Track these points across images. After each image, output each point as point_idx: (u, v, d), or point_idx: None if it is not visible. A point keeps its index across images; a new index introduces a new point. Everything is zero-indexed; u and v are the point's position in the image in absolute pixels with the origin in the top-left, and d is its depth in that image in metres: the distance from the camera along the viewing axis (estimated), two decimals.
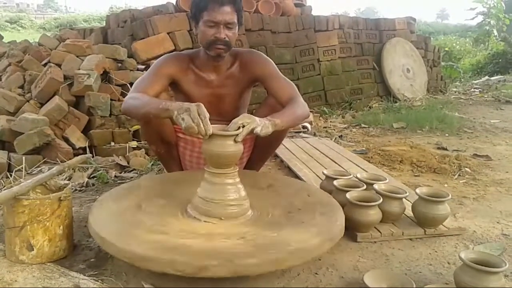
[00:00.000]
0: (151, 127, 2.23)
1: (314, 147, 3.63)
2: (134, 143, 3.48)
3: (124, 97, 3.67)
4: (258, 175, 2.40)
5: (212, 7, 2.02)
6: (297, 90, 2.19)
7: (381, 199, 1.97)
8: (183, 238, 1.55)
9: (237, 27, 2.10)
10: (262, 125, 1.76)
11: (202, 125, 1.67)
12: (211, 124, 1.78)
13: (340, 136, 4.36)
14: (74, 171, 2.90)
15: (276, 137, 2.27)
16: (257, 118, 1.77)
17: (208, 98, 2.22)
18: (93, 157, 3.16)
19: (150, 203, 1.84)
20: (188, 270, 1.40)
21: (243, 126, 1.72)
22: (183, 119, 1.69)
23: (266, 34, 5.34)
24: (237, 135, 1.70)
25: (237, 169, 1.78)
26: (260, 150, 2.42)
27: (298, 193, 2.03)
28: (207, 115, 1.69)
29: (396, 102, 6.34)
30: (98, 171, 2.95)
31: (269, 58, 2.28)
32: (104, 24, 5.79)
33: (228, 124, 1.75)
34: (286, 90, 2.15)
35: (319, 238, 1.58)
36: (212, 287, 1.55)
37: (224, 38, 2.05)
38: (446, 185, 2.85)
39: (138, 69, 4.11)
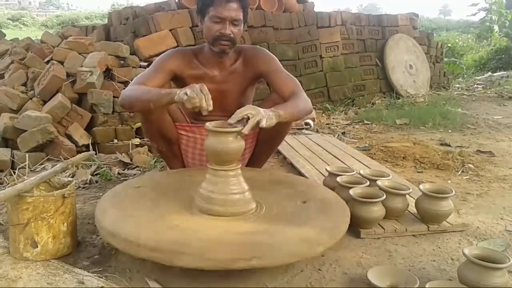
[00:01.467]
0: (151, 123, 2.22)
1: (317, 144, 3.63)
2: (137, 140, 3.49)
3: None
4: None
5: (219, 2, 2.02)
6: (300, 86, 2.19)
7: (384, 196, 1.97)
8: (187, 234, 1.55)
9: (242, 24, 2.11)
10: (267, 117, 1.76)
11: (204, 100, 1.72)
12: (214, 120, 1.79)
13: (343, 133, 4.35)
14: (78, 168, 2.91)
15: (278, 133, 2.28)
16: (261, 110, 1.77)
17: (211, 94, 2.22)
18: (96, 154, 3.16)
19: (154, 199, 1.84)
20: (194, 264, 1.41)
21: (248, 118, 1.71)
22: (185, 93, 1.73)
23: (268, 30, 5.33)
24: (242, 128, 1.70)
25: (240, 165, 1.78)
26: (263, 147, 2.42)
27: (302, 189, 2.03)
28: (209, 94, 1.74)
29: (399, 98, 6.33)
30: (101, 168, 2.95)
31: (272, 54, 2.28)
32: (106, 21, 5.78)
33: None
34: (289, 85, 2.15)
35: (323, 234, 1.58)
36: (216, 283, 1.55)
37: (229, 34, 2.05)
38: (449, 181, 2.84)
39: (140, 66, 4.10)
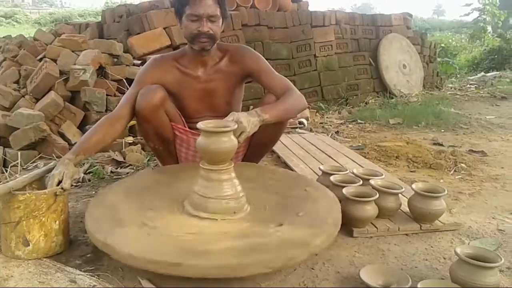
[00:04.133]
0: (149, 124, 2.20)
1: (311, 143, 3.64)
2: (130, 139, 3.47)
3: (120, 92, 3.66)
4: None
5: (194, 0, 2.03)
6: (291, 83, 2.22)
7: (377, 195, 1.97)
8: (181, 235, 1.55)
9: (221, 19, 2.11)
10: (250, 127, 1.81)
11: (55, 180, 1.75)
12: (205, 120, 1.80)
13: (337, 132, 4.36)
14: None
15: (272, 138, 2.30)
16: (244, 119, 1.79)
17: (197, 93, 2.23)
18: None
19: (147, 198, 1.84)
20: (199, 273, 1.39)
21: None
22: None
23: (262, 29, 5.32)
24: (235, 128, 1.73)
25: (232, 165, 1.77)
26: (256, 150, 2.41)
27: (295, 185, 2.03)
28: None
29: (392, 98, 6.34)
30: (94, 166, 2.94)
31: (258, 53, 2.30)
32: (100, 19, 5.75)
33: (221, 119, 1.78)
34: (280, 83, 2.18)
35: (317, 233, 1.58)
36: (209, 283, 1.54)
37: (208, 31, 2.06)
38: (442, 181, 2.86)
39: (134, 64, 4.09)
